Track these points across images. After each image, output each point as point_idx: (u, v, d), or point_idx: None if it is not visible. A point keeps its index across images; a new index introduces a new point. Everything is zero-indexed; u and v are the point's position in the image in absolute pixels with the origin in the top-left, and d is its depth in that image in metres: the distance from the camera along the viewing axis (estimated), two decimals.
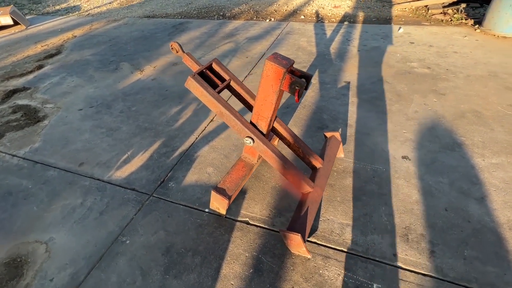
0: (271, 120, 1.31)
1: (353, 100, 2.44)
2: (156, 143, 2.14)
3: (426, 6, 4.58)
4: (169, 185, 1.77)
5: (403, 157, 1.81)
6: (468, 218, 1.41)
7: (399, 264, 1.25)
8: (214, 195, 1.40)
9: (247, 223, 1.49)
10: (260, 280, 1.24)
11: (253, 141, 1.33)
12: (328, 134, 1.77)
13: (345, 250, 1.32)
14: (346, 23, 4.26)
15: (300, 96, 1.11)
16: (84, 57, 3.87)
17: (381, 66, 2.95)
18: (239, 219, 1.51)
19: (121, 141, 2.19)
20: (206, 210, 1.58)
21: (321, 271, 1.25)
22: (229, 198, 1.38)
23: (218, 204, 1.45)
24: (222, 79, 1.43)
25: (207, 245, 1.40)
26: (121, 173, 1.89)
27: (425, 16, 4.30)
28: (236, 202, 1.59)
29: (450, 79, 2.61)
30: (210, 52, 3.65)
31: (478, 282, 1.16)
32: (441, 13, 4.23)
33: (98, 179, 1.86)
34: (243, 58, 3.42)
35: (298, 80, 1.09)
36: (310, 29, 4.11)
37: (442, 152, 1.82)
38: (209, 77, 1.36)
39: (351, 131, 2.08)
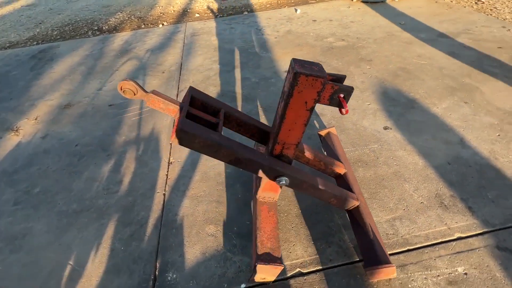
0: (298, 146, 1.01)
1: None
2: (108, 227, 1.46)
3: None
4: (168, 278, 1.22)
5: (385, 128, 1.85)
6: (467, 163, 1.56)
7: (458, 235, 1.24)
8: (261, 268, 1.01)
9: (301, 274, 1.18)
10: None
11: (288, 179, 1.00)
12: (323, 132, 1.60)
13: (412, 247, 1.22)
14: (245, 13, 4.15)
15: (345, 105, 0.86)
16: None
17: (305, 47, 2.99)
18: (289, 275, 1.18)
19: (44, 248, 1.38)
20: (243, 286, 1.16)
21: (409, 285, 1.10)
22: (281, 261, 1.03)
23: (267, 274, 1.06)
24: (211, 112, 1.00)
25: None
26: None
27: None
28: None
29: (365, 45, 2.89)
30: (109, 79, 2.84)
31: None
32: None
33: None
34: (158, 74, 2.81)
35: (344, 87, 0.83)
36: (214, 26, 3.79)
37: (407, 112, 1.97)
38: (196, 116, 0.91)
39: (325, 119, 1.99)
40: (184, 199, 1.55)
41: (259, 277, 1.09)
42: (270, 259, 1.01)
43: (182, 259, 1.28)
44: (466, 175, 1.49)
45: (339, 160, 1.38)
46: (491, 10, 3.39)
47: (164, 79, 2.71)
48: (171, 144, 1.94)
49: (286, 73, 2.59)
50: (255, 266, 1.01)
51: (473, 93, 2.06)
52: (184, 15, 4.46)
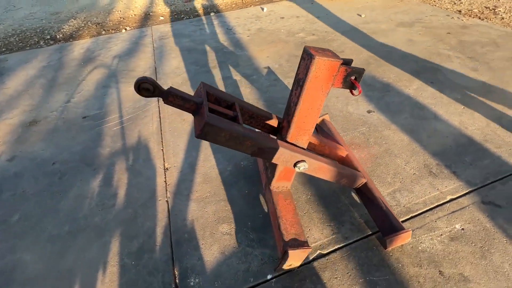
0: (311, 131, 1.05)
1: (288, 81, 2.43)
2: (111, 243, 1.35)
3: None
4: (191, 284, 1.17)
5: (369, 112, 1.99)
6: (444, 135, 1.74)
7: (450, 197, 1.40)
8: (292, 254, 1.02)
9: (322, 255, 1.22)
10: None
11: (307, 164, 1.03)
12: (318, 120, 1.67)
13: (414, 214, 1.33)
14: (212, 14, 4.12)
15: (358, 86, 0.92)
16: None
17: (279, 43, 3.07)
18: (311, 258, 1.21)
19: (41, 278, 1.24)
20: (269, 276, 1.17)
21: (419, 247, 1.21)
22: (308, 244, 1.06)
23: (295, 260, 1.09)
24: (225, 106, 0.99)
25: None
26: None
27: None
28: None
29: (335, 38, 3.06)
30: (77, 89, 2.62)
31: (493, 173, 1.47)
32: None
33: None
34: (132, 80, 2.67)
35: (356, 69, 0.89)
36: (182, 28, 3.70)
37: (384, 95, 2.14)
38: (215, 110, 0.89)
39: None
40: (190, 202, 1.51)
41: (287, 265, 1.11)
42: (298, 243, 1.04)
43: (202, 262, 1.24)
44: (445, 145, 1.68)
45: (339, 143, 1.46)
46: (434, 1, 3.81)
47: None
48: (162, 150, 1.86)
49: (266, 69, 2.64)
50: (284, 253, 1.02)
51: (435, 73, 2.31)
52: (147, 18, 4.27)
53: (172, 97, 0.82)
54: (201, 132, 0.79)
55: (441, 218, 1.31)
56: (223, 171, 1.66)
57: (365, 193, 1.25)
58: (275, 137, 1.00)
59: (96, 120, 2.20)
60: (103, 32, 3.90)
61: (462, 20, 3.14)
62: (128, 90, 2.53)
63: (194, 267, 1.23)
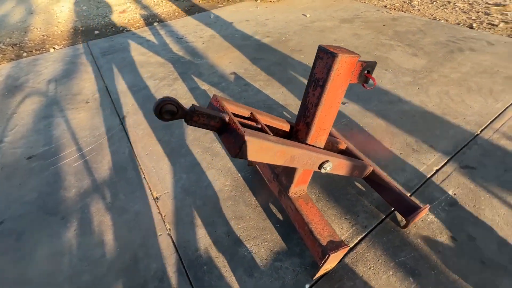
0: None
1: (259, 84, 2.41)
2: (115, 285, 1.12)
3: None
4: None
5: (343, 103, 2.10)
6: (412, 114, 1.95)
7: (435, 168, 1.56)
8: (334, 256, 0.99)
9: (350, 249, 1.22)
10: (428, 280, 1.12)
11: (331, 163, 1.01)
12: None
13: (414, 190, 1.44)
14: (155, 24, 3.84)
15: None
16: None
17: (236, 48, 3.03)
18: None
19: None
20: (307, 286, 1.12)
21: (428, 219, 1.31)
22: (345, 243, 1.04)
23: (333, 262, 1.06)
24: (245, 117, 0.89)
25: None
26: None
27: (213, 0, 4.71)
28: None
29: (289, 38, 3.16)
30: (9, 126, 2.14)
31: (459, 141, 1.69)
32: None
33: None
34: (82, 105, 2.30)
35: (369, 63, 0.90)
36: (126, 42, 3.36)
37: (352, 86, 2.28)
38: (242, 124, 0.80)
39: (292, 109, 2.09)
40: (197, 229, 1.35)
41: (324, 268, 1.09)
42: (336, 245, 1.02)
43: (218, 273, 1.12)
44: (415, 123, 1.87)
45: (335, 137, 1.49)
46: None
47: (93, 110, 2.24)
48: (144, 178, 1.64)
49: (233, 75, 2.57)
50: (327, 257, 0.99)
51: (386, 62, 2.58)
52: (78, 34, 3.76)
53: (197, 116, 0.71)
54: (240, 150, 0.70)
55: (435, 188, 1.45)
56: (222, 188, 1.55)
57: (375, 180, 1.30)
58: (303, 143, 0.96)
59: (47, 159, 1.83)
60: (24, 54, 3.29)
61: (390, 13, 3.60)
62: (79, 117, 2.17)
63: (211, 271, 1.11)
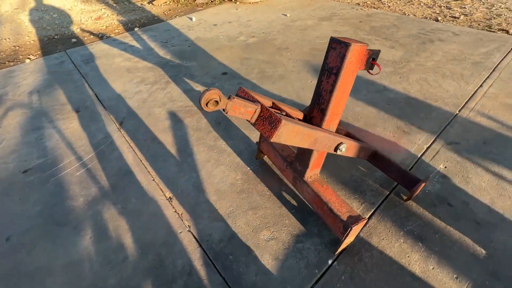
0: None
1: (253, 81, 2.48)
2: None
3: None
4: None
5: None
6: (397, 100, 2.12)
7: (426, 146, 1.72)
8: (355, 230, 1.08)
9: (368, 225, 1.33)
10: (433, 242, 1.25)
11: (345, 144, 1.11)
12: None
13: (411, 167, 1.59)
14: (136, 29, 3.78)
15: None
16: None
17: (224, 48, 3.08)
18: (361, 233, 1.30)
19: None
20: (330, 261, 1.20)
21: (426, 190, 1.45)
22: (362, 216, 1.14)
23: (353, 235, 1.15)
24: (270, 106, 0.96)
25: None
26: None
27: (192, 4, 4.71)
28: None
29: (274, 37, 3.27)
30: None
31: (442, 120, 1.87)
32: None
33: None
34: (72, 115, 2.23)
35: (374, 51, 1.01)
36: (109, 48, 3.28)
37: None
38: (272, 111, 0.86)
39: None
40: (216, 223, 1.39)
41: (345, 243, 1.18)
42: (355, 218, 1.11)
43: (261, 275, 1.18)
44: (402, 108, 2.04)
45: None
46: None
47: (86, 118, 2.18)
48: (153, 180, 1.64)
49: (225, 75, 2.62)
50: (349, 230, 1.08)
51: None
52: (53, 43, 3.60)
53: (236, 106, 0.76)
54: (277, 133, 0.76)
55: (429, 163, 1.61)
56: (234, 182, 1.59)
57: (379, 160, 1.42)
58: (322, 127, 1.04)
59: (45, 171, 1.76)
60: None
61: (364, 10, 3.84)
62: (72, 127, 2.11)
63: (256, 284, 1.16)
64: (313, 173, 1.27)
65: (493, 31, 3.07)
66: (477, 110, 1.96)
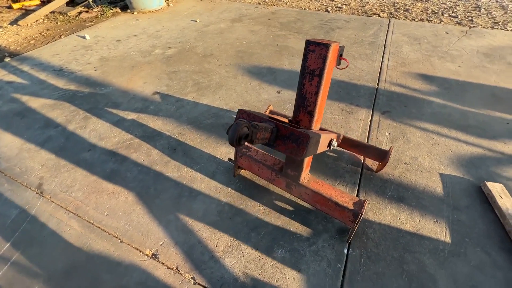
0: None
1: (192, 96, 2.28)
2: None
3: (54, 12, 4.11)
4: None
5: (278, 92, 2.30)
6: (332, 85, 2.36)
7: (368, 120, 1.98)
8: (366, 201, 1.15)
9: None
10: (409, 200, 1.45)
11: (334, 139, 1.14)
12: (267, 111, 1.76)
13: (365, 142, 1.80)
14: (8, 59, 2.90)
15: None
16: None
17: (142, 65, 2.72)
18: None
19: None
20: (345, 250, 1.24)
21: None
22: (363, 199, 1.22)
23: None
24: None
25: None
26: None
27: (76, 20, 3.94)
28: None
29: (193, 45, 3.09)
30: None
31: (367, 96, 2.19)
32: (86, 11, 4.08)
33: None
34: None
35: (341, 47, 1.05)
36: None
37: (275, 75, 2.51)
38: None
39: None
40: (222, 261, 1.23)
41: (355, 230, 1.24)
42: (360, 204, 1.18)
43: None
44: (337, 92, 2.29)
45: None
46: None
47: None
48: (121, 241, 1.32)
49: (157, 95, 2.32)
50: (359, 217, 1.14)
51: (288, 49, 2.95)
52: None
53: (259, 132, 0.66)
54: (306, 150, 0.71)
55: (377, 134, 1.86)
56: (221, 209, 1.44)
57: (347, 143, 1.55)
58: (312, 129, 1.04)
59: None
60: None
61: (268, 8, 4.08)
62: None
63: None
64: (306, 174, 1.28)
65: (370, 16, 3.79)
66: (388, 81, 2.39)
